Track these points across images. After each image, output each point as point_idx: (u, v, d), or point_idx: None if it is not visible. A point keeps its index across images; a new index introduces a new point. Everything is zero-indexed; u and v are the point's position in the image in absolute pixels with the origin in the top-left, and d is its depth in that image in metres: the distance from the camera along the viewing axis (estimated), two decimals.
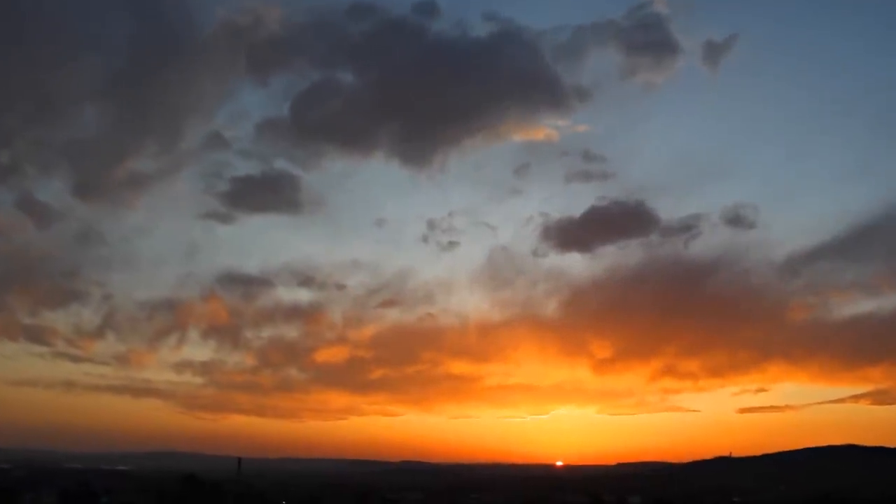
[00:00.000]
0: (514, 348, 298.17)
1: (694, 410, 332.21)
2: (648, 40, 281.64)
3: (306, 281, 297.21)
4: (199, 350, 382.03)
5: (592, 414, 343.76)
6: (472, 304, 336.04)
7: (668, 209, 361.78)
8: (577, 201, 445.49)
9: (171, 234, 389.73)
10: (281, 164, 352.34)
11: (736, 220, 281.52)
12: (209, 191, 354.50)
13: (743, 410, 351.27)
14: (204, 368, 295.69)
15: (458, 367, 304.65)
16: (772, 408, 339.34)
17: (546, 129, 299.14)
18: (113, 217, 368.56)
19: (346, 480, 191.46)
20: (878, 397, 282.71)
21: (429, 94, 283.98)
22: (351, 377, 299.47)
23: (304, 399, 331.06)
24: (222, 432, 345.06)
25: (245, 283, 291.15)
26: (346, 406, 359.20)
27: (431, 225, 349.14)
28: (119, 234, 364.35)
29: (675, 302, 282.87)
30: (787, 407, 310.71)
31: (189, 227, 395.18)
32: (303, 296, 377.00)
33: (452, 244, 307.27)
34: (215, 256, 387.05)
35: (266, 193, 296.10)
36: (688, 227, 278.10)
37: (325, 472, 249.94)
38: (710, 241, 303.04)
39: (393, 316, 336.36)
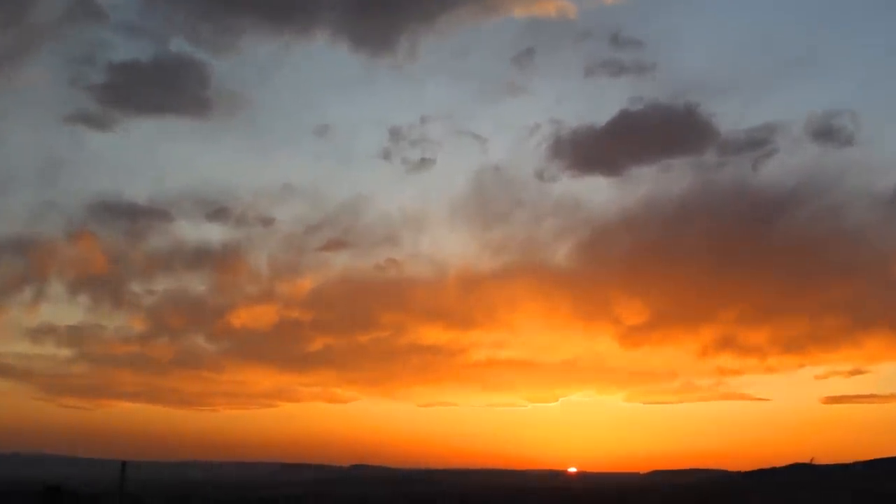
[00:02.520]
0: (511, 310, 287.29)
1: (762, 399, 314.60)
2: None
3: (218, 213, 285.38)
4: (64, 311, 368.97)
5: (619, 402, 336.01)
6: (451, 247, 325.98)
7: (729, 116, 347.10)
8: (601, 104, 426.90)
9: (22, 146, 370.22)
10: (180, 45, 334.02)
11: (826, 133, 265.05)
12: (77, 83, 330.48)
13: (830, 400, 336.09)
14: (73, 336, 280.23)
15: (432, 334, 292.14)
16: (870, 397, 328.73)
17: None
18: None
19: (273, 492, 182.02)
20: None
21: None
22: (282, 348, 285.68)
23: (215, 379, 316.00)
24: (99, 426, 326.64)
25: (130, 216, 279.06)
26: (275, 388, 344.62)
27: (395, 135, 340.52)
28: None
29: (737, 247, 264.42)
30: (893, 397, 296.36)
31: (48, 136, 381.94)
32: (213, 234, 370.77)
33: (425, 162, 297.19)
34: (86, 177, 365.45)
35: (159, 87, 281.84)
36: (757, 143, 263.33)
37: (244, 481, 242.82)
38: (788, 163, 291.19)
39: (340, 263, 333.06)
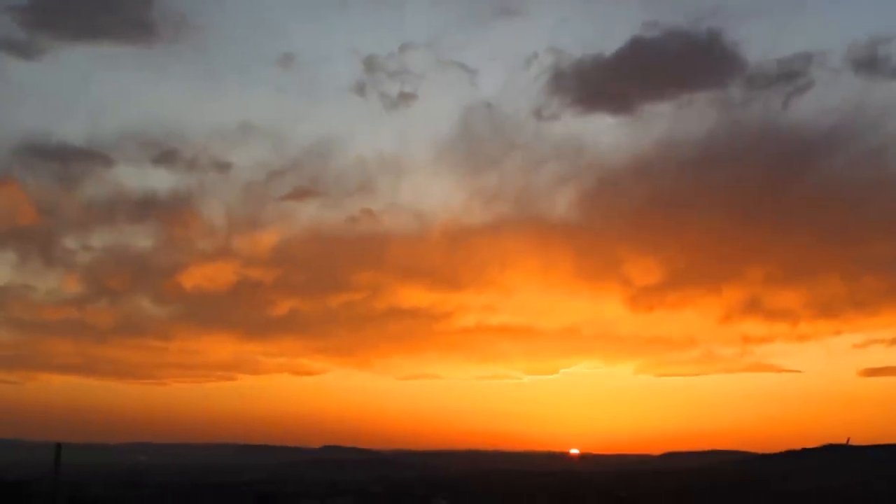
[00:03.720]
0: (504, 268, 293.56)
1: (792, 371, 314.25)
2: None
3: (165, 156, 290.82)
4: None
5: (628, 374, 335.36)
6: (436, 196, 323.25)
7: (758, 45, 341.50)
8: (609, 30, 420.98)
9: None
10: None
11: (870, 63, 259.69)
12: None
13: (869, 372, 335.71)
14: None
15: (414, 296, 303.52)
16: None
17: None
18: None
19: (232, 478, 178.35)
20: None
21: None
22: (241, 313, 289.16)
23: (163, 348, 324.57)
24: (29, 403, 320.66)
25: (61, 159, 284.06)
26: (234, 359, 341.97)
27: (371, 66, 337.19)
28: None
29: (766, 197, 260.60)
30: None
31: None
32: (160, 180, 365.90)
33: (405, 98, 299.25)
34: (10, 114, 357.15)
35: (94, 9, 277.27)
36: (790, 76, 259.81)
37: (199, 465, 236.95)
38: (825, 99, 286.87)
39: (308, 214, 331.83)
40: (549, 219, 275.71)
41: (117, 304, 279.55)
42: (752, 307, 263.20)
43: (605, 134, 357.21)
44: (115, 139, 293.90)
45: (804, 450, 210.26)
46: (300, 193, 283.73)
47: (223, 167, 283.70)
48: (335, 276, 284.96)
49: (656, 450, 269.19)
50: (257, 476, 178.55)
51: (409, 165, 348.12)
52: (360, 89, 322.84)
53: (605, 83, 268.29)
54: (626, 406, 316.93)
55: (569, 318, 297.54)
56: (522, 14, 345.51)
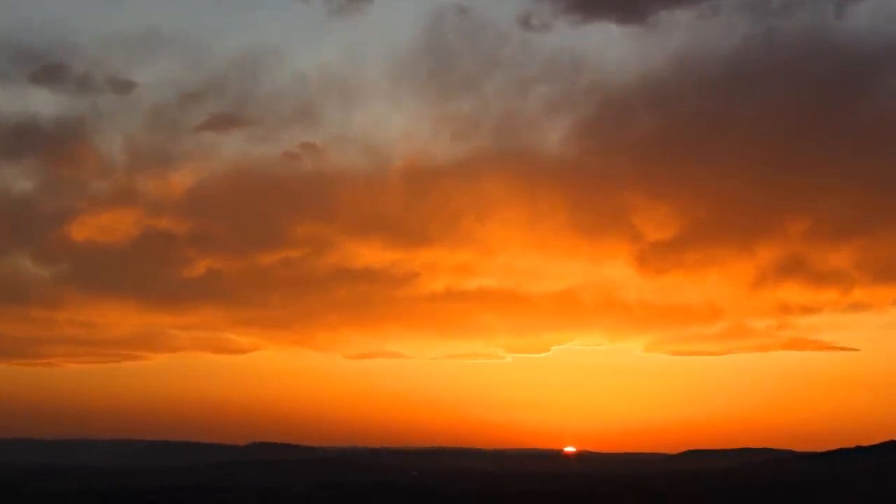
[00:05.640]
0: (482, 219, 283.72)
1: (844, 349, 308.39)
2: None
3: (48, 72, 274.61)
4: None
5: (637, 353, 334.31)
6: (395, 126, 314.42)
7: None
8: None
9: None
10: None
11: None
12: None
13: None
14: None
15: (368, 254, 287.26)
16: None
17: None
18: None
19: (138, 481, 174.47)
20: None
21: None
22: (147, 274, 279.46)
23: (49, 319, 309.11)
24: None
25: None
26: (139, 333, 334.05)
27: None
28: None
29: (811, 128, 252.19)
30: None
31: None
32: (42, 104, 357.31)
33: (356, 1, 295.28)
34: None
35: None
36: None
37: (97, 466, 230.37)
38: (890, 3, 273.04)
39: (232, 149, 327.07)
40: (539, 156, 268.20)
41: None
42: (793, 269, 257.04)
43: (609, 48, 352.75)
44: None
45: (858, 448, 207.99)
46: (222, 122, 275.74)
47: (123, 87, 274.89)
48: (267, 229, 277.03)
49: (672, 448, 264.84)
50: (169, 481, 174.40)
51: (362, 87, 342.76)
52: None
53: None
54: (634, 393, 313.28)
55: (563, 281, 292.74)
56: None
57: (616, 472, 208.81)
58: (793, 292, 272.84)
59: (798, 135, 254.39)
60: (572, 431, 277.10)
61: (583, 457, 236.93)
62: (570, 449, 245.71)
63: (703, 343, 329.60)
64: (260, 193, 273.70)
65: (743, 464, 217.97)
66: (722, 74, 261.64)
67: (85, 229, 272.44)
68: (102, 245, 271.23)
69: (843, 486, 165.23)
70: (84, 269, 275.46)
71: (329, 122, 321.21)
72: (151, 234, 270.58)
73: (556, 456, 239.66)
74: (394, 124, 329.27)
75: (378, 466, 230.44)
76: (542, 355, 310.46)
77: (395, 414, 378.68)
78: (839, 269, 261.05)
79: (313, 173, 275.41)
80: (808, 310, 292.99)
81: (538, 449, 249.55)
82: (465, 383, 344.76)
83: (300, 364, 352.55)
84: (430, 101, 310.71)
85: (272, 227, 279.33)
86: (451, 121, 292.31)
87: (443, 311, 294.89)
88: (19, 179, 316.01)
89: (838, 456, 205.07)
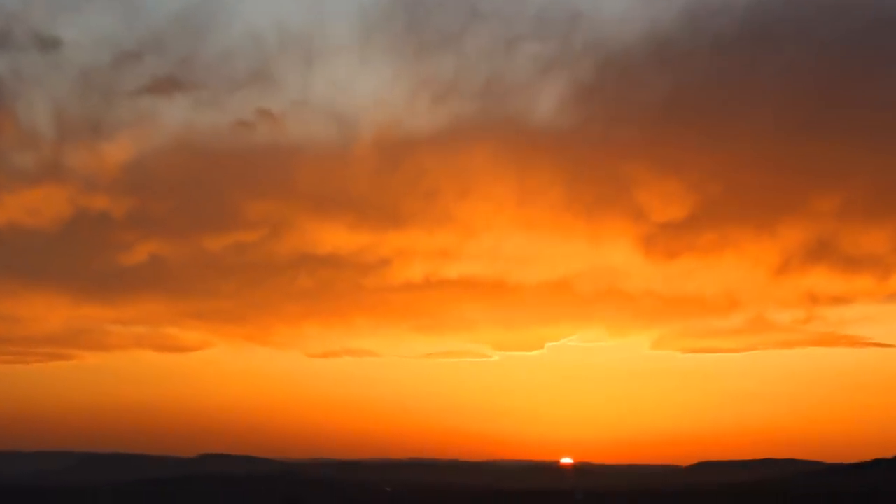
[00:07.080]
0: (464, 196, 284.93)
1: (880, 345, 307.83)
2: None
3: None
4: None
5: (643, 350, 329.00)
6: (364, 91, 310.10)
7: None
8: None
9: None
10: None
11: None
12: None
13: None
14: None
15: (333, 237, 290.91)
16: None
17: None
18: None
19: (68, 500, 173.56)
20: None
21: None
22: (79, 261, 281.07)
23: None
24: None
25: None
26: (69, 329, 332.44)
27: None
28: None
29: (844, 92, 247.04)
30: None
31: None
32: None
33: None
34: None
35: None
36: None
37: (19, 481, 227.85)
38: None
39: (176, 117, 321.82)
40: (529, 124, 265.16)
41: None
42: (822, 253, 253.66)
43: (610, 1, 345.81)
44: None
45: None
46: (164, 85, 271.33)
47: (48, 45, 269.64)
48: (217, 208, 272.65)
49: (684, 459, 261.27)
50: (104, 502, 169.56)
51: (325, 45, 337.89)
52: None
53: None
54: (639, 395, 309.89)
55: (558, 268, 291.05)
56: None
57: (620, 487, 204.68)
58: (821, 280, 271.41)
59: (825, 100, 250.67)
60: (569, 440, 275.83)
61: (582, 469, 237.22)
62: (567, 460, 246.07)
63: (718, 338, 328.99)
64: (208, 168, 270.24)
65: (765, 477, 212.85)
66: (738, 31, 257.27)
67: (5, 210, 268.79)
68: (26, 228, 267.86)
69: (881, 499, 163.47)
70: (5, 255, 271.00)
71: (287, 87, 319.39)
72: (83, 216, 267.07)
73: (552, 468, 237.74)
74: (362, 88, 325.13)
75: (346, 482, 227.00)
76: (534, 353, 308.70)
77: (365, 422, 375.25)
78: (874, 253, 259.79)
79: (269, 144, 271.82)
80: (838, 300, 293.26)
81: (531, 461, 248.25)
82: (445, 386, 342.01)
83: (255, 363, 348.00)
84: (404, 61, 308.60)
85: (222, 207, 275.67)
86: (429, 84, 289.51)
87: (419, 303, 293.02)
88: None
89: (875, 468, 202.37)
